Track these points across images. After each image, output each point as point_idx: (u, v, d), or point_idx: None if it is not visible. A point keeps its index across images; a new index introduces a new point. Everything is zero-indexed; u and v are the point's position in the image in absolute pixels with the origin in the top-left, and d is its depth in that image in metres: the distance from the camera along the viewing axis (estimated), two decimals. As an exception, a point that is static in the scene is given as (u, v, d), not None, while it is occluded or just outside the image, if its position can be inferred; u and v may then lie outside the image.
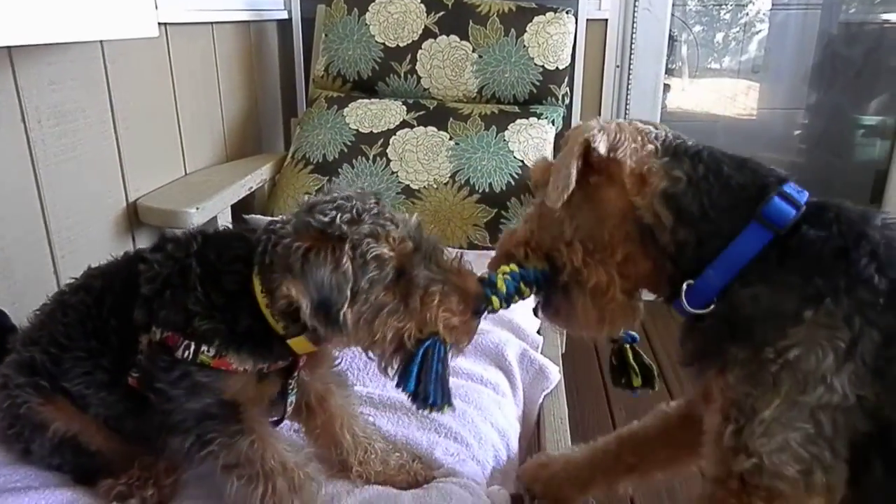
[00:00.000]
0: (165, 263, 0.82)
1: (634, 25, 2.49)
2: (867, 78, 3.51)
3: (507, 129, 1.87)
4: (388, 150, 1.87)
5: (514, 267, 0.86)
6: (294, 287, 0.73)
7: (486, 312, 0.84)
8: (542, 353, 1.37)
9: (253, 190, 1.85)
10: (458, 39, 1.98)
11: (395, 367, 0.80)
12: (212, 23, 1.88)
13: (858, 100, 3.61)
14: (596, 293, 0.82)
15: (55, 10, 1.03)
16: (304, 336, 0.82)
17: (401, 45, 2.01)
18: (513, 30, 1.95)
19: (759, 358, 0.69)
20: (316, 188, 1.85)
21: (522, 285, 0.85)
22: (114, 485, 0.86)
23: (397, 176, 1.84)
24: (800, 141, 4.25)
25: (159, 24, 1.38)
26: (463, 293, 0.79)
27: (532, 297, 0.88)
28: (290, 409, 0.92)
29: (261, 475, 0.79)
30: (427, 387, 0.78)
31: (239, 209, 1.80)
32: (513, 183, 1.79)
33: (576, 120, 2.47)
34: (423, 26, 2.00)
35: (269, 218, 1.80)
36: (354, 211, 0.77)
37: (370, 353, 0.83)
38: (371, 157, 1.87)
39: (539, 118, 1.92)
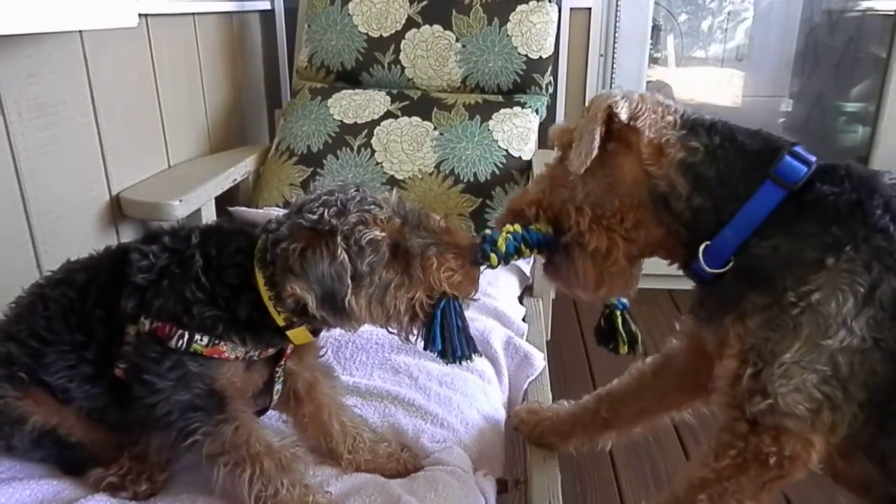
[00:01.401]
0: (162, 254, 0.83)
1: (618, 14, 2.49)
2: (849, 65, 3.55)
3: (491, 118, 1.88)
4: (372, 141, 1.87)
5: (518, 228, 0.87)
6: (297, 286, 0.78)
7: (484, 267, 0.87)
8: (527, 340, 1.38)
9: (237, 182, 1.84)
10: (441, 29, 1.98)
11: (415, 333, 0.85)
12: (193, 13, 1.87)
13: (840, 87, 3.65)
14: (597, 256, 0.84)
15: (31, 1, 1.02)
16: (305, 327, 0.85)
17: (384, 35, 2.01)
18: (496, 19, 1.95)
19: (780, 303, 0.72)
20: (300, 179, 1.85)
21: (523, 246, 0.87)
22: (104, 475, 0.87)
23: (382, 166, 1.84)
24: (783, 128, 4.28)
25: (139, 14, 1.37)
26: (456, 248, 0.84)
27: (532, 256, 0.91)
28: (276, 397, 0.93)
29: (247, 458, 0.80)
30: (453, 342, 0.83)
31: (223, 201, 1.79)
32: (497, 172, 1.80)
33: (560, 109, 2.48)
34: (406, 16, 2.00)
35: (255, 210, 1.80)
36: (339, 203, 0.81)
37: (390, 328, 0.87)
38: (355, 148, 1.87)
39: (523, 107, 1.92)
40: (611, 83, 2.59)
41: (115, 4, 1.21)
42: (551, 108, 2.22)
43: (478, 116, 1.88)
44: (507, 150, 1.83)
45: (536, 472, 1.03)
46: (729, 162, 0.79)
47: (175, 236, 0.86)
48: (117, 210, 1.52)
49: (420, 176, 1.81)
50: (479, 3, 1.97)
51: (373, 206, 0.81)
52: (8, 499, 0.80)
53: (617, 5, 2.48)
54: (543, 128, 2.03)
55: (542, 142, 2.11)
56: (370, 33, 2.01)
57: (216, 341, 0.81)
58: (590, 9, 2.44)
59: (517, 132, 1.87)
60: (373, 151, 1.86)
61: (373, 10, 2.01)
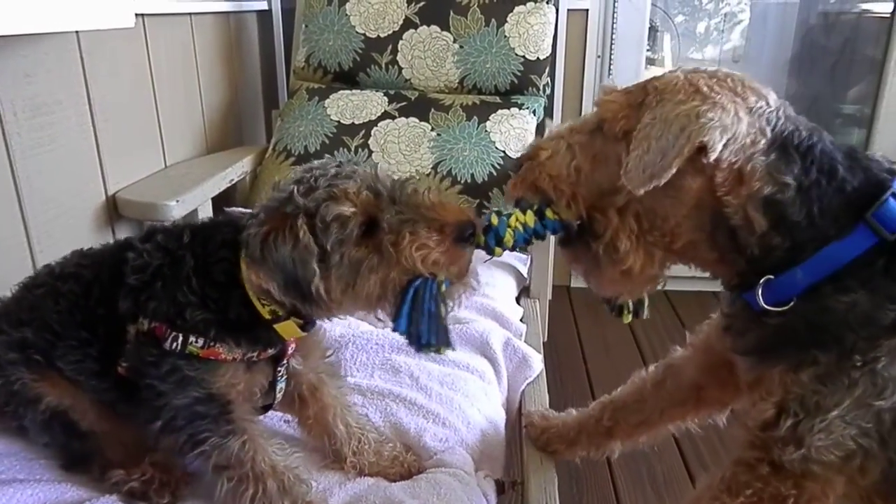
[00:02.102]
0: (155, 254, 0.82)
1: (615, 15, 2.50)
2: (844, 67, 3.56)
3: (488, 119, 1.88)
4: (369, 142, 1.87)
5: (530, 219, 0.78)
6: (256, 273, 0.75)
7: (490, 256, 0.79)
8: (524, 341, 1.38)
9: (234, 182, 1.84)
10: (438, 30, 1.97)
11: (385, 312, 0.79)
12: (190, 14, 1.87)
13: (836, 89, 3.65)
14: (630, 272, 0.76)
15: (28, 1, 1.02)
16: (292, 320, 0.82)
17: (381, 35, 2.00)
18: (493, 20, 1.95)
19: (843, 364, 0.67)
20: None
21: (535, 238, 0.79)
22: (126, 479, 0.85)
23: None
24: (779, 130, 4.28)
25: (136, 14, 1.37)
26: (438, 224, 0.75)
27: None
28: (279, 396, 0.92)
29: (251, 477, 0.80)
30: (419, 326, 0.75)
31: (220, 202, 1.79)
32: (494, 173, 1.80)
33: (558, 110, 2.49)
34: (403, 17, 2.00)
35: (250, 211, 1.80)
36: (312, 179, 0.76)
37: (377, 315, 0.80)
38: (353, 149, 1.86)
39: (520, 108, 1.92)
40: (608, 84, 2.59)
41: (111, 5, 1.20)
42: (549, 110, 2.22)
43: (475, 117, 1.88)
44: (504, 152, 1.83)
45: (533, 473, 1.03)
46: (823, 204, 0.68)
47: (168, 235, 0.84)
48: (113, 210, 1.52)
49: (417, 177, 1.81)
50: (476, 4, 1.97)
51: (344, 181, 0.75)
52: (9, 499, 0.79)
53: (614, 7, 2.49)
54: (540, 129, 2.04)
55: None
56: (367, 34, 2.01)
57: (211, 343, 0.80)
58: (587, 10, 2.45)
59: (515, 133, 1.87)
60: (370, 152, 1.86)
61: (370, 10, 2.01)
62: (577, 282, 2.79)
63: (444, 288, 0.76)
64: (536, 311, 1.63)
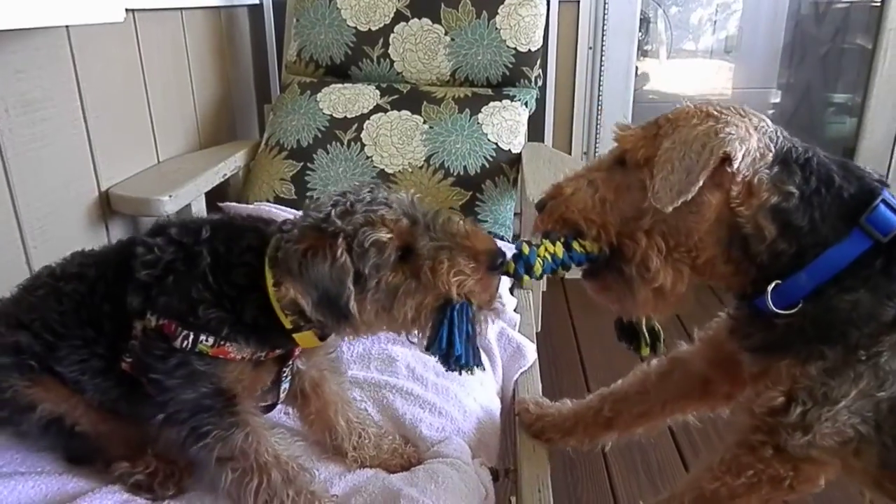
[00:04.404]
0: (167, 248, 0.81)
1: (606, 7, 2.50)
2: (836, 57, 3.57)
3: (480, 111, 1.88)
4: (362, 135, 1.87)
5: (559, 250, 0.82)
6: (293, 287, 0.75)
7: (516, 286, 0.82)
8: (518, 331, 1.39)
9: (227, 177, 1.84)
10: (430, 22, 1.98)
11: (419, 335, 0.81)
12: (181, 8, 1.86)
13: (828, 78, 3.67)
14: (662, 290, 0.80)
15: (16, -4, 1.02)
16: (312, 331, 0.83)
17: (373, 28, 2.00)
18: (484, 12, 1.95)
19: (848, 358, 0.72)
20: (291, 174, 1.85)
21: (562, 269, 0.83)
22: (130, 471, 0.86)
23: (372, 160, 1.84)
24: (772, 119, 4.29)
25: (126, 9, 1.37)
26: (472, 252, 0.78)
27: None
28: (283, 395, 0.93)
29: (255, 468, 0.80)
30: (456, 347, 0.78)
31: (213, 197, 1.79)
32: (487, 165, 1.81)
33: (550, 102, 2.49)
34: (394, 10, 2.00)
35: (245, 205, 1.80)
36: (348, 203, 0.78)
37: (395, 333, 0.83)
38: (345, 143, 1.87)
39: (512, 100, 1.93)
40: (600, 75, 2.60)
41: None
42: (541, 101, 2.23)
43: (467, 110, 1.88)
44: (496, 144, 1.84)
45: (526, 461, 1.04)
46: (824, 210, 0.74)
47: (184, 228, 0.83)
48: (106, 206, 1.52)
49: (410, 170, 1.82)
50: (467, -4, 1.97)
51: (381, 207, 0.77)
52: (10, 492, 0.80)
53: (605, -2, 2.49)
54: (533, 120, 2.04)
55: (532, 135, 2.12)
56: (359, 27, 2.01)
57: (221, 342, 0.80)
58: (578, 2, 2.45)
59: (507, 125, 1.87)
60: (363, 145, 1.86)
61: (361, 3, 2.01)
62: (571, 273, 2.79)
63: (474, 311, 0.79)
64: (530, 301, 1.64)
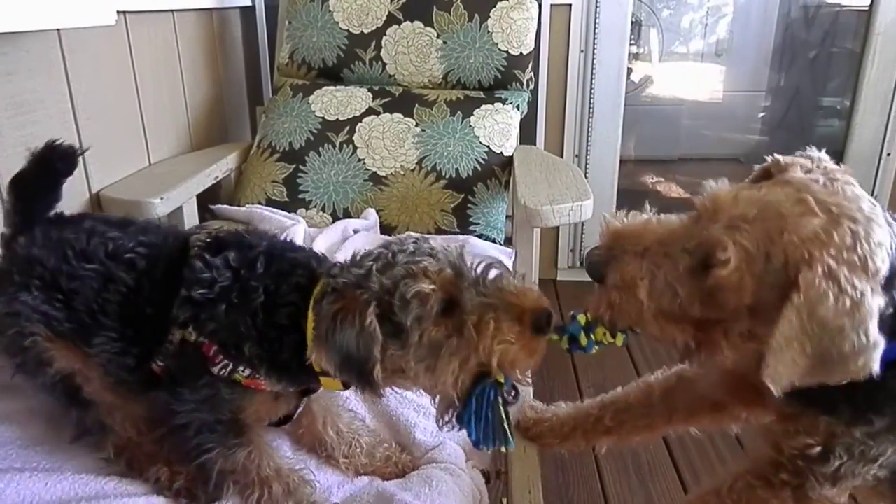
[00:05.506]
0: (223, 273, 0.79)
1: (598, 10, 2.51)
2: (825, 60, 3.60)
3: (472, 114, 1.89)
4: (354, 138, 1.87)
5: (619, 341, 0.81)
6: (318, 352, 0.74)
7: (569, 350, 0.81)
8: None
9: (219, 179, 1.84)
10: (422, 25, 1.98)
11: (448, 416, 0.78)
12: (172, 10, 1.86)
13: (816, 81, 3.70)
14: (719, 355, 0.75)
15: (7, -1, 1.01)
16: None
17: (365, 31, 2.01)
18: (476, 15, 1.96)
19: (894, 426, 0.73)
20: (283, 176, 1.85)
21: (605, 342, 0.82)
22: (170, 478, 0.84)
23: (364, 163, 1.84)
24: (762, 122, 4.33)
25: (118, 11, 1.37)
26: (519, 312, 0.73)
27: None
28: (294, 418, 0.93)
29: (256, 482, 0.80)
30: (471, 431, 0.76)
31: (205, 199, 1.79)
32: (479, 168, 1.81)
33: (542, 105, 2.50)
34: (386, 13, 2.00)
35: (237, 208, 1.80)
36: (390, 255, 0.75)
37: (433, 399, 0.79)
38: (337, 145, 1.87)
39: (504, 103, 1.93)
40: (591, 78, 2.61)
41: (92, 2, 1.20)
42: (533, 104, 2.24)
43: (459, 113, 1.89)
44: (488, 147, 1.84)
45: (517, 463, 1.04)
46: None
47: (241, 254, 0.81)
48: (97, 208, 1.52)
49: (402, 172, 1.82)
50: (459, -1, 1.98)
51: (424, 258, 0.74)
52: (6, 485, 0.78)
53: (597, 1, 2.50)
54: (525, 123, 2.05)
55: (524, 137, 2.13)
56: (351, 30, 2.01)
57: (257, 376, 0.80)
58: (570, 5, 2.47)
59: (499, 128, 1.88)
60: (355, 148, 1.86)
61: (353, 6, 2.01)
62: (564, 275, 2.82)
63: (505, 388, 0.76)
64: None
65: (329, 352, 0.73)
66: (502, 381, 0.76)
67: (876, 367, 0.63)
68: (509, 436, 0.76)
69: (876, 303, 0.62)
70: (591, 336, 0.81)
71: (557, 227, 2.76)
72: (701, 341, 0.73)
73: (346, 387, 0.83)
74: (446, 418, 0.78)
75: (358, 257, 0.79)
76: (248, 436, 0.82)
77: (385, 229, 1.78)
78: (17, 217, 0.92)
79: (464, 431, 1.05)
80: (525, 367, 0.76)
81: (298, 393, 0.88)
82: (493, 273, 0.77)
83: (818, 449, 0.75)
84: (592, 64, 2.59)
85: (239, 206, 1.83)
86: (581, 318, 0.81)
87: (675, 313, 0.71)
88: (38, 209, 0.93)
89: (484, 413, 0.74)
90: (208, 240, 0.84)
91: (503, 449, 0.77)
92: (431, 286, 0.72)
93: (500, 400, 0.75)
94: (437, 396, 0.79)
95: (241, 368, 0.79)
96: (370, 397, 0.84)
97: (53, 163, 0.93)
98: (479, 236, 1.73)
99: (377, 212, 1.79)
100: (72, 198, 1.45)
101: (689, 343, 0.74)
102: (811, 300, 0.62)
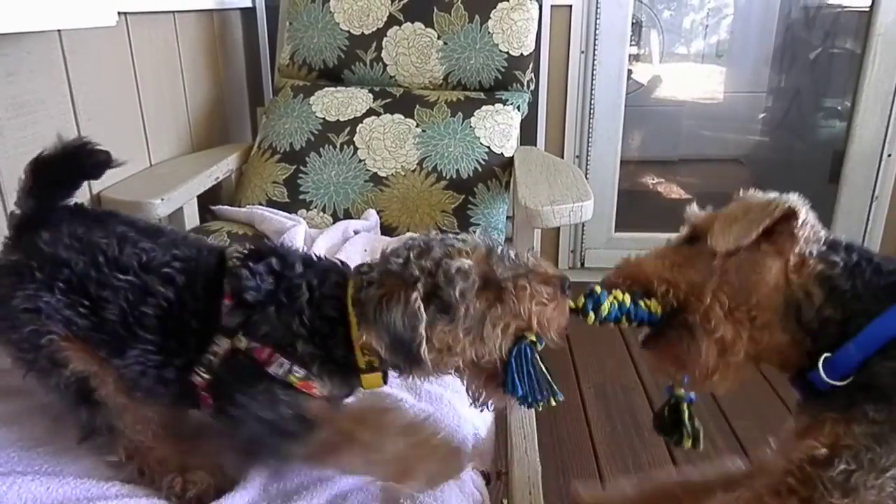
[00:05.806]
0: (267, 277, 0.82)
1: (598, 11, 2.51)
2: (825, 61, 3.60)
3: (473, 115, 1.89)
4: (355, 139, 1.87)
5: (627, 299, 0.86)
6: (367, 333, 0.77)
7: (583, 319, 0.86)
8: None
9: (220, 180, 1.84)
10: (422, 27, 1.98)
11: (491, 387, 0.83)
12: (173, 11, 1.86)
13: (817, 82, 3.70)
14: (723, 346, 0.84)
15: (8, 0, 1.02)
16: (381, 373, 0.85)
17: (366, 32, 2.01)
18: (477, 16, 1.96)
19: (892, 422, 0.74)
20: (283, 177, 1.85)
21: (624, 318, 0.86)
22: (184, 486, 0.84)
23: (365, 164, 1.85)
24: (763, 123, 4.33)
25: (119, 12, 1.37)
26: (545, 278, 0.82)
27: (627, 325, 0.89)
28: None
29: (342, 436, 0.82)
30: (517, 389, 0.81)
31: (205, 200, 1.79)
32: (479, 169, 1.81)
33: (542, 106, 2.51)
34: (387, 14, 2.00)
35: (238, 209, 1.80)
36: (422, 244, 0.81)
37: (466, 377, 0.84)
38: (338, 146, 1.87)
39: (505, 104, 1.93)
40: (592, 80, 2.61)
41: (93, 3, 1.20)
42: (533, 105, 2.24)
43: (460, 113, 1.89)
44: (489, 147, 1.85)
45: (517, 463, 1.04)
46: (866, 280, 0.81)
47: (282, 260, 0.84)
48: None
49: (403, 173, 1.82)
50: (460, 0, 1.98)
51: (455, 241, 0.81)
52: (9, 489, 0.77)
53: (597, 2, 2.51)
54: (525, 124, 2.05)
55: (524, 138, 2.13)
56: (352, 31, 2.02)
57: (310, 377, 0.81)
58: (570, 6, 2.47)
59: (499, 129, 1.88)
60: (356, 149, 1.86)
61: (354, 7, 2.01)
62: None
63: (539, 348, 0.82)
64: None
65: (378, 331, 0.77)
66: (535, 339, 0.82)
67: None
68: (555, 387, 0.83)
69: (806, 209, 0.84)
70: (608, 300, 0.86)
71: (558, 228, 2.77)
72: (691, 302, 0.86)
73: (385, 381, 0.86)
74: (489, 391, 0.83)
75: (387, 253, 0.83)
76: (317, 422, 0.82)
77: (385, 230, 1.78)
78: (33, 200, 0.91)
79: (468, 430, 1.06)
80: (558, 326, 0.83)
81: (340, 399, 0.89)
82: (512, 251, 0.84)
83: (823, 451, 0.76)
84: (593, 65, 2.60)
85: (239, 206, 1.83)
86: (597, 287, 0.87)
87: (667, 271, 0.88)
88: (57, 195, 0.93)
89: (526, 370, 0.80)
90: (245, 251, 0.86)
91: (552, 401, 0.83)
92: (470, 262, 0.79)
93: (537, 357, 0.82)
94: (471, 375, 0.83)
95: (295, 369, 0.80)
96: (419, 377, 0.85)
97: (82, 161, 0.92)
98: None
99: (378, 212, 1.80)
100: (72, 199, 1.45)
101: (680, 297, 0.87)
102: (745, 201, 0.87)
